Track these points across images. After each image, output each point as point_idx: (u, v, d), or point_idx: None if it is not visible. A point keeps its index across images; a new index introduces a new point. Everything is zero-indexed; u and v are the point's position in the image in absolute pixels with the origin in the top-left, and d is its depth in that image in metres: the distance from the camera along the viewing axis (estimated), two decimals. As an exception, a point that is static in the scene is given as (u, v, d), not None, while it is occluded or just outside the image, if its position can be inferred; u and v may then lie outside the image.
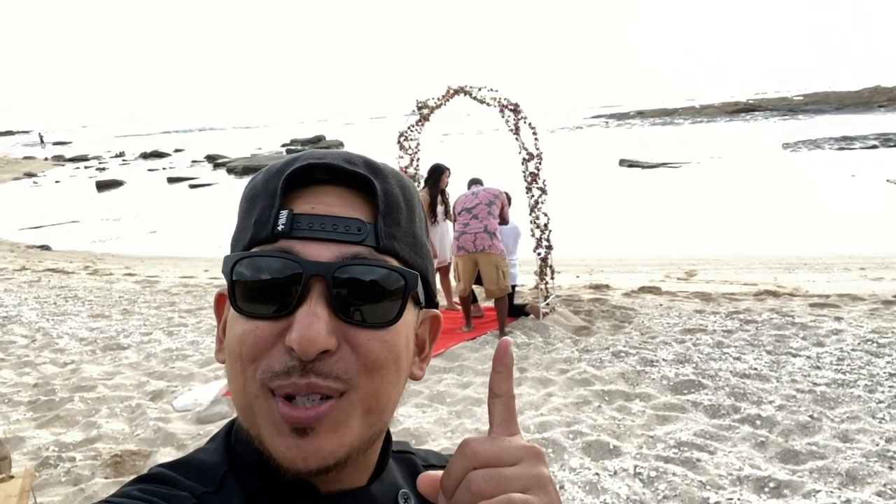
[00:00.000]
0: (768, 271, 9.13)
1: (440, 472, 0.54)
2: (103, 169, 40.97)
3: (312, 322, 0.53)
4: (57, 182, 35.18)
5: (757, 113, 45.14)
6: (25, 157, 55.22)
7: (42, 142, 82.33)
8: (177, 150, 52.24)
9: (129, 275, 11.26)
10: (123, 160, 48.01)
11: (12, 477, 2.97)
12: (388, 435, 0.69)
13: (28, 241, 16.53)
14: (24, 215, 21.62)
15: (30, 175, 39.44)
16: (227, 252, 0.62)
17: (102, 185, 30.46)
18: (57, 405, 4.97)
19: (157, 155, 48.88)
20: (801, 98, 48.52)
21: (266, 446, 0.56)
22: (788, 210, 13.66)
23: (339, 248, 0.57)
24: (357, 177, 0.59)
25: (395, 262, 0.59)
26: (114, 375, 5.64)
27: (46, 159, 52.74)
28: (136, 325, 7.33)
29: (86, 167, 43.96)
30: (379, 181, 0.60)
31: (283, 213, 0.57)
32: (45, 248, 15.54)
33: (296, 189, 0.59)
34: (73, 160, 50.59)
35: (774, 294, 7.53)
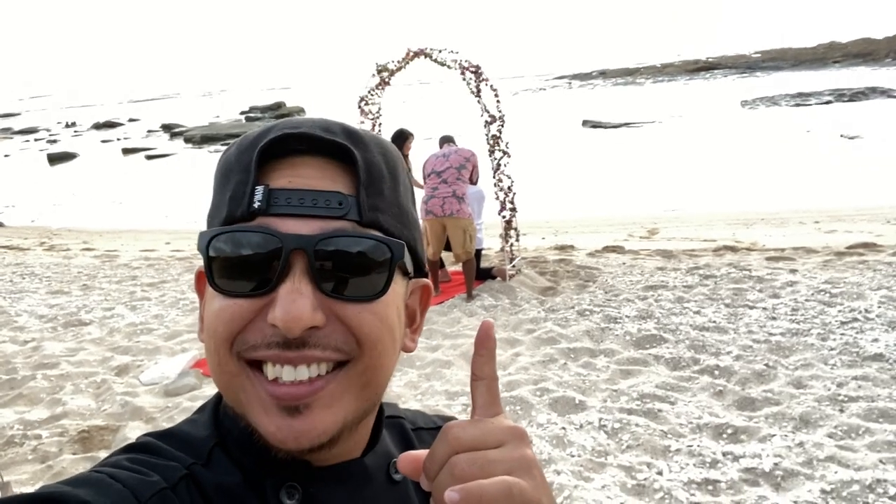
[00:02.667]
0: (727, 227, 9.35)
1: (422, 453, 0.53)
2: (54, 141, 39.53)
3: (296, 298, 0.51)
4: (6, 156, 33.86)
5: (716, 71, 45.62)
6: (-30, 131, 52.87)
7: (-13, 114, 78.78)
8: (131, 120, 50.65)
9: (88, 249, 10.99)
10: (75, 132, 46.36)
11: (-24, 457, 2.93)
12: (381, 405, 0.67)
13: (-22, 217, 15.95)
14: (-27, 191, 20.82)
15: (-24, 149, 37.85)
16: (196, 223, 0.59)
17: (54, 158, 29.45)
18: (19, 383, 4.87)
19: (111, 125, 47.34)
20: (759, 55, 49.10)
21: (254, 424, 0.54)
22: (747, 167, 13.96)
23: (319, 224, 0.54)
24: (336, 146, 0.56)
25: (379, 235, 0.57)
26: (77, 352, 5.55)
27: (-8, 132, 50.59)
28: (97, 301, 7.18)
29: (36, 139, 42.36)
30: (359, 150, 0.57)
31: (259, 189, 0.54)
32: (-4, 224, 15.04)
33: (271, 161, 0.56)
34: (21, 132, 48.63)
35: (733, 249, 7.73)
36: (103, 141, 37.21)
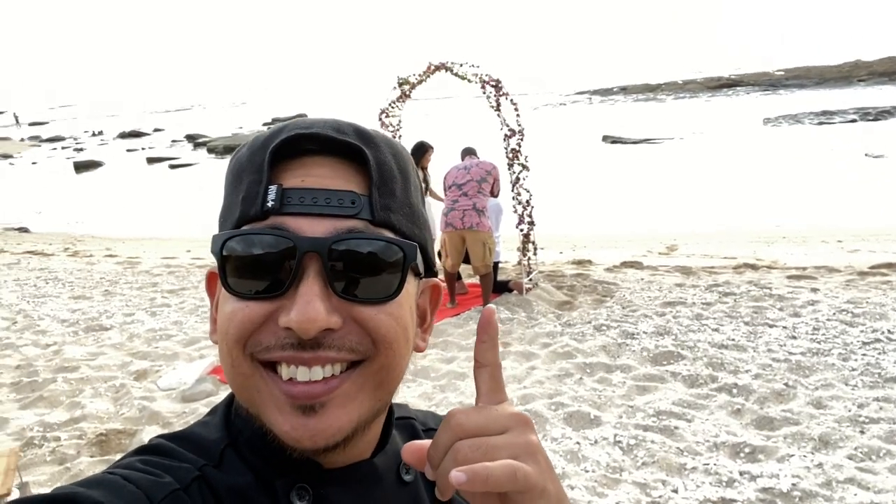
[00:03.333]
0: (748, 245, 9.25)
1: (425, 443, 0.53)
2: (81, 150, 40.29)
3: (311, 300, 0.51)
4: (34, 163, 34.57)
5: (739, 88, 45.30)
6: (1, 138, 54.13)
7: (17, 122, 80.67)
8: (156, 130, 51.45)
9: (110, 256, 11.16)
10: (101, 140, 47.21)
11: (-3, 456, 2.98)
12: (391, 406, 0.68)
13: (5, 223, 16.28)
14: (2, 197, 21.27)
15: (5, 156, 38.69)
16: (215, 231, 0.60)
17: (81, 167, 29.99)
18: (40, 386, 4.95)
19: (136, 134, 48.13)
20: (783, 73, 48.74)
21: (269, 425, 0.54)
22: (768, 185, 13.82)
23: (332, 223, 0.54)
24: (348, 146, 0.56)
25: (391, 235, 0.57)
26: (97, 356, 5.63)
27: (23, 140, 51.75)
28: (118, 306, 7.29)
29: (63, 147, 43.22)
30: (371, 150, 0.57)
31: (273, 189, 0.54)
32: (23, 230, 15.35)
33: (283, 161, 0.56)
34: (49, 140, 49.67)
35: (753, 267, 7.64)
36: (128, 150, 37.83)
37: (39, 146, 46.05)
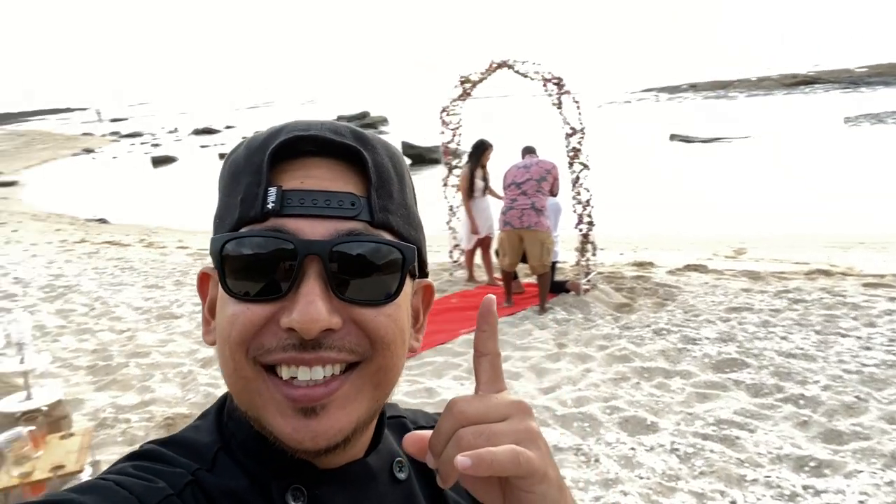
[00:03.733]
0: (822, 250, 8.83)
1: (426, 433, 0.53)
2: (157, 145, 42.16)
3: (313, 300, 0.52)
4: (114, 158, 36.41)
5: (817, 85, 43.24)
6: (84, 134, 57.27)
7: (100, 118, 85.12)
8: (227, 127, 53.30)
9: (182, 248, 11.64)
10: (176, 137, 49.28)
11: (72, 434, 3.17)
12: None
13: (87, 214, 17.21)
14: (85, 189, 22.49)
15: (88, 151, 40.90)
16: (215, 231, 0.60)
17: (157, 162, 31.38)
18: (114, 370, 5.23)
19: (208, 131, 49.99)
20: (865, 69, 46.21)
21: (269, 427, 0.55)
22: (847, 187, 13.13)
23: (333, 225, 0.54)
24: (346, 148, 0.57)
25: (389, 237, 0.58)
26: (167, 343, 5.89)
27: (104, 135, 54.61)
28: (188, 296, 7.60)
29: (141, 143, 45.33)
30: (369, 152, 0.58)
31: (272, 190, 0.54)
32: (102, 221, 16.18)
33: (281, 163, 0.56)
34: (129, 136, 52.21)
35: (827, 273, 7.30)
36: (202, 146, 39.33)
37: (119, 141, 48.47)
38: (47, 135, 57.80)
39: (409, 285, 0.60)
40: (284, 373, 0.54)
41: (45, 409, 3.30)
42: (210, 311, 0.62)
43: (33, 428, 2.83)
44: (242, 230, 0.55)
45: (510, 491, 0.51)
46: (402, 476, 0.66)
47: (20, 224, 15.16)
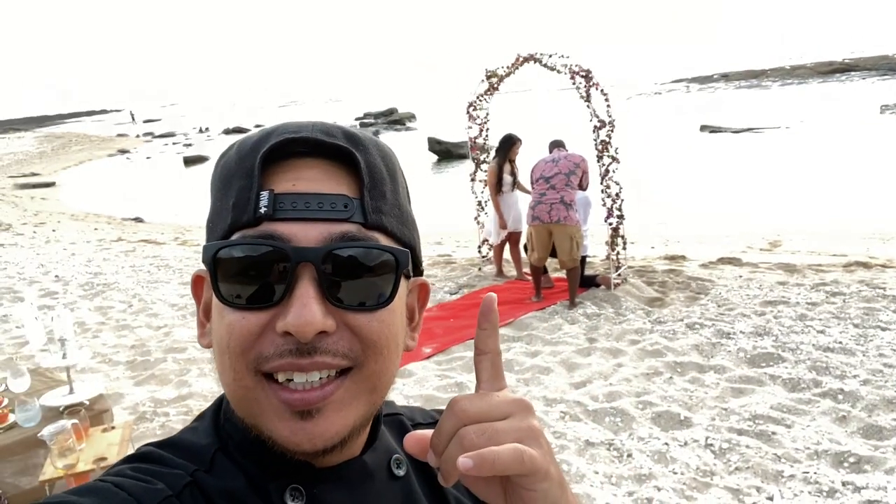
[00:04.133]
0: (861, 242, 8.62)
1: (427, 432, 0.53)
2: (189, 145, 42.86)
3: (307, 302, 0.52)
4: (148, 158, 37.12)
5: (853, 73, 42.10)
6: (119, 135, 58.51)
7: (133, 119, 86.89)
8: (257, 126, 53.94)
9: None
10: (208, 136, 50.05)
11: (114, 427, 3.25)
12: None
13: (123, 213, 17.59)
14: (120, 189, 23.00)
15: (123, 151, 41.78)
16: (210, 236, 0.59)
17: (189, 161, 31.89)
18: (152, 365, 5.35)
19: (239, 131, 50.64)
20: (905, 55, 44.78)
21: (267, 432, 0.55)
22: (885, 177, 12.78)
23: (326, 227, 0.54)
24: (338, 149, 0.56)
25: (383, 238, 0.57)
26: (202, 339, 6.00)
27: (138, 136, 55.72)
28: (221, 293, 7.72)
29: (174, 143, 46.14)
30: (361, 153, 0.57)
31: (264, 195, 0.54)
32: (138, 220, 16.52)
33: (273, 165, 0.56)
34: (161, 136, 53.20)
35: (866, 265, 7.12)
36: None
37: (152, 142, 49.40)
38: (83, 136, 59.23)
39: (403, 286, 0.60)
40: (281, 377, 0.54)
41: (87, 402, 3.39)
42: (205, 314, 0.62)
43: (76, 421, 2.91)
44: (235, 236, 0.55)
45: (512, 489, 0.51)
46: (400, 473, 0.67)
47: (59, 224, 15.57)
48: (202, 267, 0.58)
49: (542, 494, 0.50)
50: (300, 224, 0.54)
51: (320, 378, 0.54)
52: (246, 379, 0.54)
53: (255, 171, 0.55)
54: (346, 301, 0.54)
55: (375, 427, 0.67)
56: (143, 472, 0.56)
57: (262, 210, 0.54)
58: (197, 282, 0.64)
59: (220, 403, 0.65)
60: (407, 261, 0.58)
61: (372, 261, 0.55)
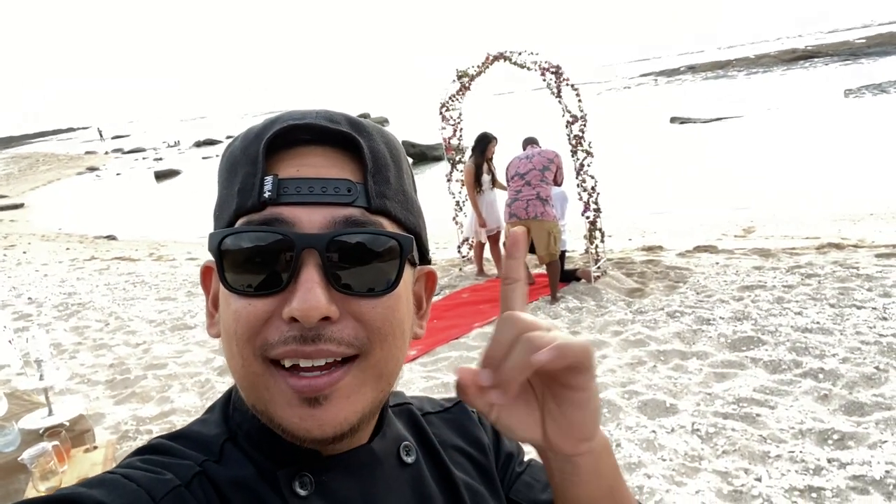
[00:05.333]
0: (832, 223, 8.79)
1: (477, 369, 0.53)
2: (160, 159, 42.33)
3: (312, 287, 0.52)
4: (118, 174, 36.57)
5: (816, 60, 42.96)
6: (87, 153, 57.57)
7: (101, 136, 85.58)
8: (228, 137, 53.44)
9: (192, 259, 11.68)
10: (179, 150, 49.48)
11: (96, 447, 3.19)
12: None
13: (95, 231, 17.30)
14: (91, 207, 22.62)
15: (92, 169, 41.10)
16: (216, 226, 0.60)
17: (160, 176, 31.50)
18: (132, 383, 5.26)
19: (210, 143, 50.13)
20: (864, 41, 45.82)
21: (277, 419, 0.55)
22: (852, 159, 13.05)
23: (330, 212, 0.55)
24: (341, 135, 0.57)
25: (387, 223, 0.58)
26: (183, 353, 5.92)
27: (107, 153, 54.90)
28: (200, 306, 7.62)
29: (143, 158, 45.53)
30: (364, 139, 0.58)
31: (268, 179, 0.55)
32: (111, 237, 16.26)
33: (278, 152, 0.57)
34: (131, 152, 52.46)
35: (838, 247, 7.25)
36: (204, 158, 39.46)
37: (121, 158, 48.67)
38: (51, 156, 58.15)
39: (409, 273, 0.60)
40: (287, 363, 0.54)
41: (67, 423, 3.32)
42: (213, 304, 0.62)
43: (57, 443, 2.85)
44: (239, 223, 0.56)
45: (558, 402, 0.52)
46: (409, 460, 0.67)
47: (30, 245, 15.26)
48: (210, 258, 0.59)
49: (594, 394, 0.53)
50: (304, 208, 0.55)
51: (326, 362, 0.54)
52: (254, 365, 0.55)
53: (259, 157, 0.56)
54: (351, 287, 0.54)
55: (382, 415, 0.67)
56: (152, 464, 0.56)
57: (267, 194, 0.54)
58: (206, 273, 0.64)
59: (230, 395, 0.65)
60: (411, 247, 0.58)
61: (376, 246, 0.56)
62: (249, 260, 0.54)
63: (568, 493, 0.59)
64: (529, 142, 6.70)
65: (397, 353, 0.59)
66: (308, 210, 0.55)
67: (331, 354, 0.53)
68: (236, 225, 0.57)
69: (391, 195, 0.59)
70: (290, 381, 0.54)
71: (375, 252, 0.55)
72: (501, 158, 6.93)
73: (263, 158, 0.56)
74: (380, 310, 0.56)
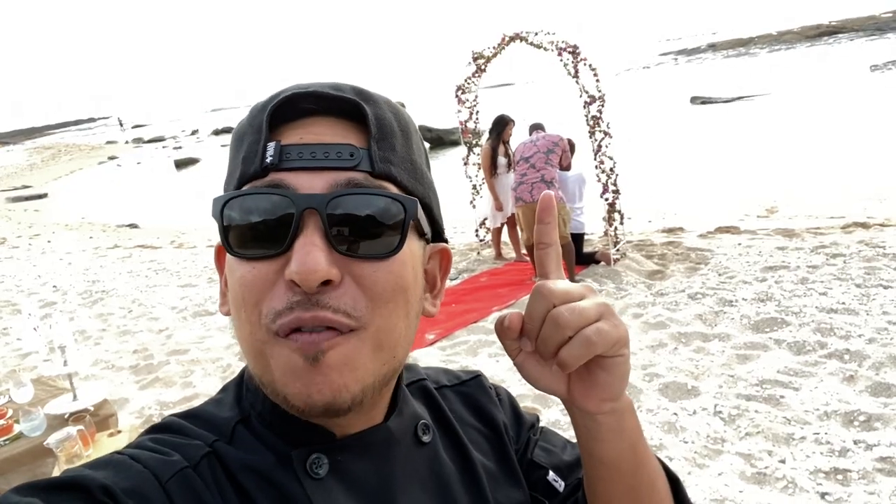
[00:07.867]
0: (857, 202, 8.60)
1: (520, 313, 0.56)
2: (179, 148, 42.69)
3: (310, 250, 0.51)
4: (138, 163, 36.97)
5: (841, 35, 41.94)
6: (108, 142, 58.26)
7: (122, 126, 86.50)
8: (244, 124, 53.74)
9: (212, 246, 11.73)
10: (198, 138, 49.85)
11: (120, 432, 3.24)
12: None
13: (117, 220, 17.52)
14: (113, 196, 22.91)
15: (113, 158, 41.58)
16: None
17: (180, 164, 31.76)
18: (156, 368, 5.33)
19: (228, 131, 50.42)
20: (891, 14, 44.59)
21: (279, 390, 0.54)
22: (879, 137, 12.74)
23: (332, 176, 0.54)
24: (346, 102, 0.56)
25: (392, 188, 0.57)
26: (205, 339, 5.98)
27: (127, 142, 55.49)
28: (220, 293, 7.69)
29: (163, 147, 45.95)
30: (370, 106, 0.57)
31: (271, 146, 0.55)
32: (133, 226, 16.45)
33: (283, 122, 0.57)
34: (151, 141, 52.97)
35: (864, 226, 7.11)
36: (222, 146, 39.72)
37: (142, 147, 49.16)
38: (73, 146, 58.93)
39: (417, 245, 0.59)
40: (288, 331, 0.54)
41: (91, 408, 3.37)
42: (227, 284, 0.61)
43: (82, 427, 2.89)
44: (242, 189, 0.56)
45: (587, 363, 0.54)
46: (426, 439, 0.66)
47: (54, 235, 15.50)
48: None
49: (625, 360, 0.55)
50: (306, 174, 0.54)
51: (325, 327, 0.53)
52: (260, 332, 0.54)
53: (263, 125, 0.56)
54: (352, 249, 0.54)
55: (397, 392, 0.66)
56: (161, 444, 0.56)
57: (269, 160, 0.54)
58: (220, 253, 0.63)
59: (243, 376, 0.65)
60: (415, 210, 0.56)
61: (378, 209, 0.55)
62: (251, 223, 0.54)
63: (592, 450, 0.62)
64: (535, 127, 6.68)
65: (399, 324, 0.56)
66: (310, 175, 0.54)
67: (328, 321, 0.52)
68: None
69: (397, 161, 0.58)
70: (290, 343, 0.52)
71: (378, 214, 0.54)
72: (517, 143, 6.86)
73: (267, 126, 0.55)
74: (381, 273, 0.54)
